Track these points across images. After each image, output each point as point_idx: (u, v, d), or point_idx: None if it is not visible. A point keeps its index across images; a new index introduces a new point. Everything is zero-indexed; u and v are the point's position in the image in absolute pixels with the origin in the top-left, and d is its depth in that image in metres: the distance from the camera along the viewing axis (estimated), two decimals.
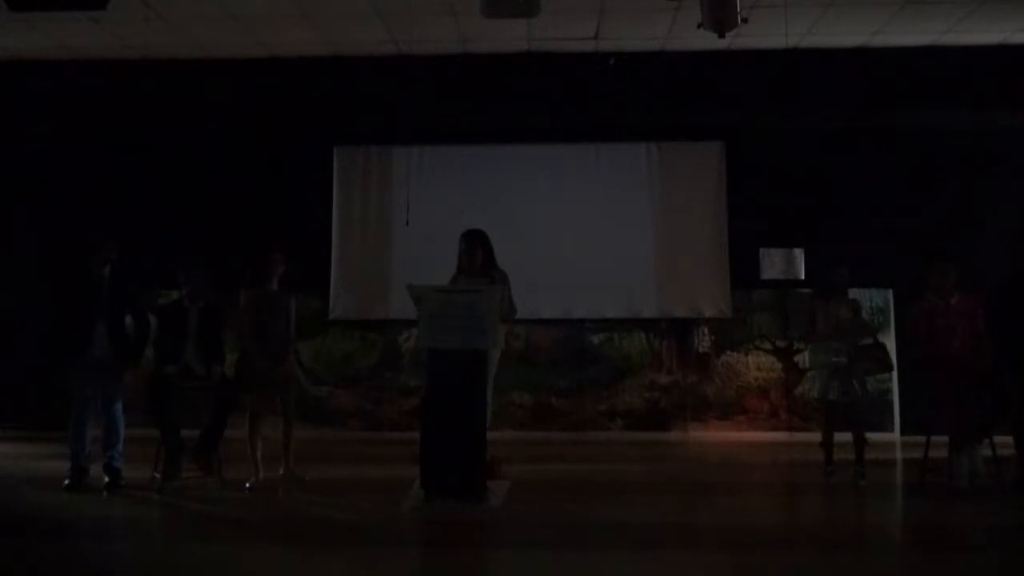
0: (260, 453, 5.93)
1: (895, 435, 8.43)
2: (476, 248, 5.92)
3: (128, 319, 6.02)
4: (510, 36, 7.70)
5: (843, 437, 6.31)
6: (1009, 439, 5.85)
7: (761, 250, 8.72)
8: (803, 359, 8.52)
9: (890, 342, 8.48)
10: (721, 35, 5.87)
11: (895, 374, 8.42)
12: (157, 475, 5.82)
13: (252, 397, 6.00)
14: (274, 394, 6.01)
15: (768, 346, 8.73)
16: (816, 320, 6.44)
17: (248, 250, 6.25)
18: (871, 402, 7.40)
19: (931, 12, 7.25)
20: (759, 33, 7.35)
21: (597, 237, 8.64)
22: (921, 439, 6.13)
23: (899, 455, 7.62)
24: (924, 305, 6.16)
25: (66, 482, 5.74)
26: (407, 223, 8.54)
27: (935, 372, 6.00)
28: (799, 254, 8.68)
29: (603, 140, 8.81)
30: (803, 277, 8.62)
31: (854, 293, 6.80)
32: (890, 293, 8.60)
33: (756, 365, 8.72)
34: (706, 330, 8.74)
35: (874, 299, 8.51)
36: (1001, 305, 6.03)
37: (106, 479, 5.75)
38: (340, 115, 8.53)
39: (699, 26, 5.86)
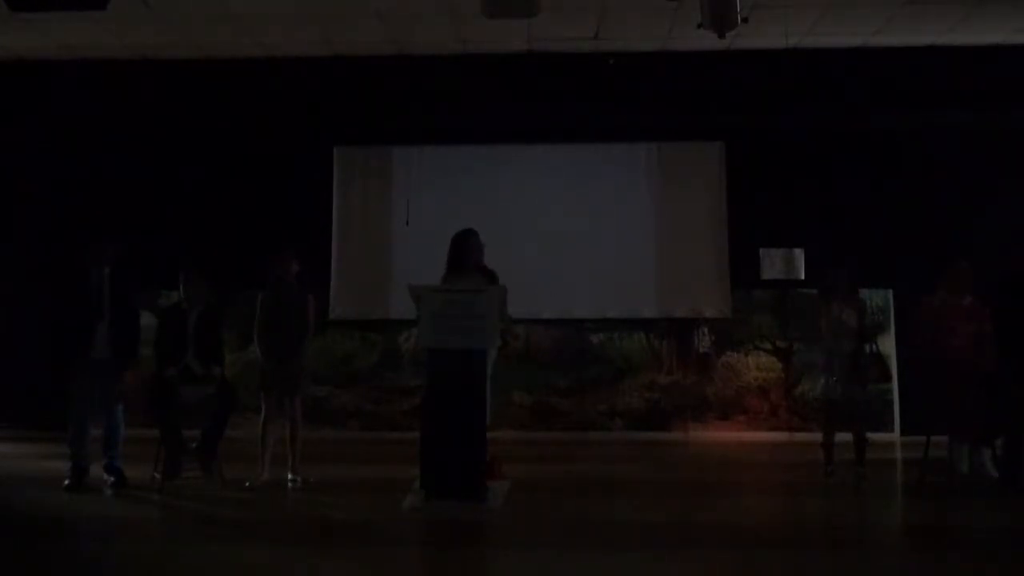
0: (270, 453, 5.92)
1: (895, 435, 8.43)
2: (478, 247, 5.92)
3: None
4: (510, 36, 7.69)
5: (843, 437, 6.31)
6: None
7: (761, 250, 8.71)
8: (803, 359, 8.52)
9: (890, 342, 8.49)
10: (721, 35, 5.87)
11: (895, 374, 8.44)
12: (157, 475, 5.82)
13: (265, 397, 5.99)
14: (281, 394, 6.01)
15: (768, 346, 8.73)
16: (820, 322, 6.46)
17: (256, 251, 6.25)
18: (871, 402, 7.39)
19: (931, 12, 7.25)
20: (759, 33, 7.34)
21: (597, 237, 8.64)
22: (921, 439, 6.13)
23: (899, 455, 7.62)
24: (936, 303, 6.14)
25: (66, 482, 5.74)
26: (407, 223, 8.58)
27: (935, 372, 6.01)
28: (799, 254, 8.68)
29: (603, 140, 8.80)
30: (803, 277, 8.61)
31: None
32: (890, 293, 8.59)
33: (756, 365, 8.71)
34: (706, 330, 8.74)
35: (874, 299, 8.49)
36: (1002, 305, 6.03)
37: (111, 479, 5.76)
38: (340, 115, 8.53)
39: (699, 26, 5.86)
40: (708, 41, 6.48)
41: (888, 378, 6.89)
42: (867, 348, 6.34)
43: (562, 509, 5.33)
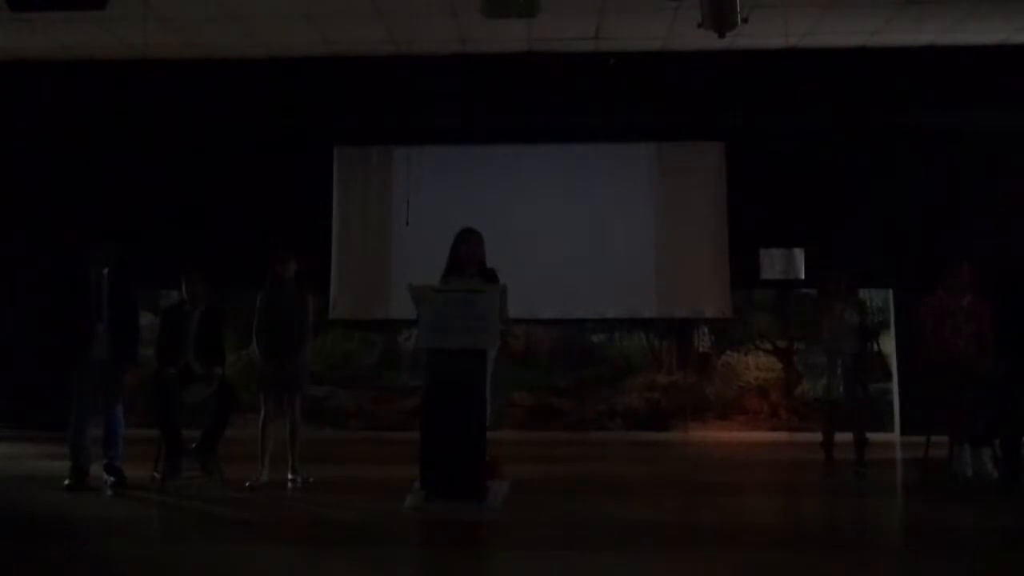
0: (270, 453, 5.92)
1: (895, 435, 8.43)
2: (479, 246, 5.91)
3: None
4: (510, 36, 7.70)
5: (843, 437, 6.31)
6: None
7: (761, 250, 8.71)
8: (803, 359, 8.53)
9: (890, 342, 8.49)
10: (721, 35, 5.88)
11: (895, 374, 8.45)
12: (157, 475, 5.82)
13: (264, 398, 5.99)
14: (280, 394, 6.00)
15: (768, 346, 8.73)
16: (821, 322, 6.47)
17: (256, 251, 6.25)
18: (871, 402, 7.39)
19: (931, 12, 7.25)
20: (759, 33, 7.35)
21: (597, 237, 8.64)
22: (921, 439, 6.13)
23: (899, 455, 7.62)
24: (936, 303, 6.15)
25: (66, 482, 5.73)
26: (407, 223, 8.59)
27: (937, 372, 6.01)
28: (799, 254, 8.68)
29: (603, 140, 8.81)
30: (803, 277, 8.61)
31: None
32: (890, 293, 8.59)
33: (756, 365, 8.71)
34: (706, 330, 8.74)
35: (874, 299, 8.49)
36: (1002, 305, 6.04)
37: (111, 479, 5.76)
38: (340, 115, 8.53)
39: (699, 26, 5.87)
40: (708, 41, 6.48)
41: (888, 376, 6.93)
42: (869, 347, 6.35)
43: (562, 509, 5.33)
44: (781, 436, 8.47)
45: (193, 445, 5.91)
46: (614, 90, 8.20)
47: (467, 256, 5.89)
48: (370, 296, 8.78)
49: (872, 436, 6.47)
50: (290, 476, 5.92)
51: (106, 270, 5.93)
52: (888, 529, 5.25)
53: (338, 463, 6.97)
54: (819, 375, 6.69)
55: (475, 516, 5.05)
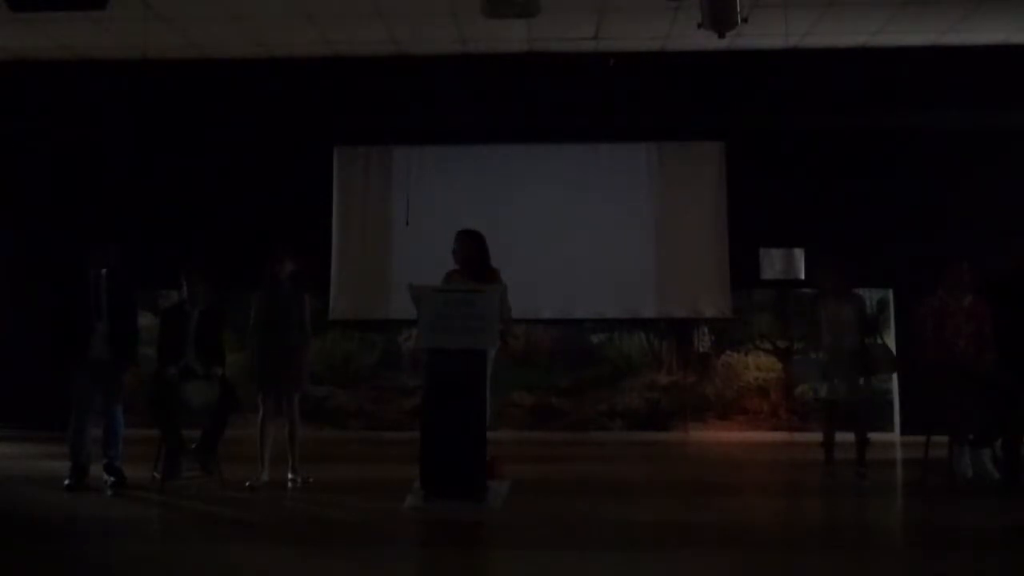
0: (269, 453, 5.92)
1: (895, 435, 8.43)
2: (468, 247, 5.90)
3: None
4: (510, 36, 7.70)
5: (843, 437, 6.31)
6: None
7: (761, 250, 8.71)
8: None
9: (890, 342, 8.48)
10: (721, 35, 5.88)
11: (895, 374, 8.44)
12: (157, 475, 5.82)
13: (263, 397, 5.99)
14: (279, 394, 6.00)
15: (768, 346, 8.73)
16: (820, 321, 6.46)
17: (256, 251, 6.25)
18: (872, 402, 7.39)
19: (931, 12, 7.25)
20: (759, 33, 7.35)
21: (597, 237, 8.63)
22: (921, 439, 6.14)
23: (899, 455, 7.62)
24: (936, 304, 6.14)
25: (66, 482, 5.74)
26: (407, 223, 8.59)
27: (938, 373, 6.01)
28: (799, 254, 8.68)
29: (603, 140, 8.81)
30: (803, 277, 8.61)
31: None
32: (890, 293, 8.59)
33: (756, 365, 8.71)
34: (706, 330, 8.74)
35: (874, 299, 8.48)
36: (1002, 306, 6.03)
37: (111, 479, 5.76)
38: (340, 115, 8.53)
39: (699, 26, 5.87)
40: (708, 41, 6.48)
41: (893, 368, 6.94)
42: (875, 340, 6.36)
43: (562, 509, 5.33)
44: (781, 436, 8.47)
45: (193, 445, 5.92)
46: (614, 90, 8.19)
47: (456, 258, 5.89)
48: (370, 296, 8.78)
49: (872, 436, 6.47)
50: (290, 476, 5.92)
51: (106, 270, 5.94)
52: (888, 529, 5.25)
53: (338, 463, 6.97)
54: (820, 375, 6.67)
55: (475, 516, 5.05)
